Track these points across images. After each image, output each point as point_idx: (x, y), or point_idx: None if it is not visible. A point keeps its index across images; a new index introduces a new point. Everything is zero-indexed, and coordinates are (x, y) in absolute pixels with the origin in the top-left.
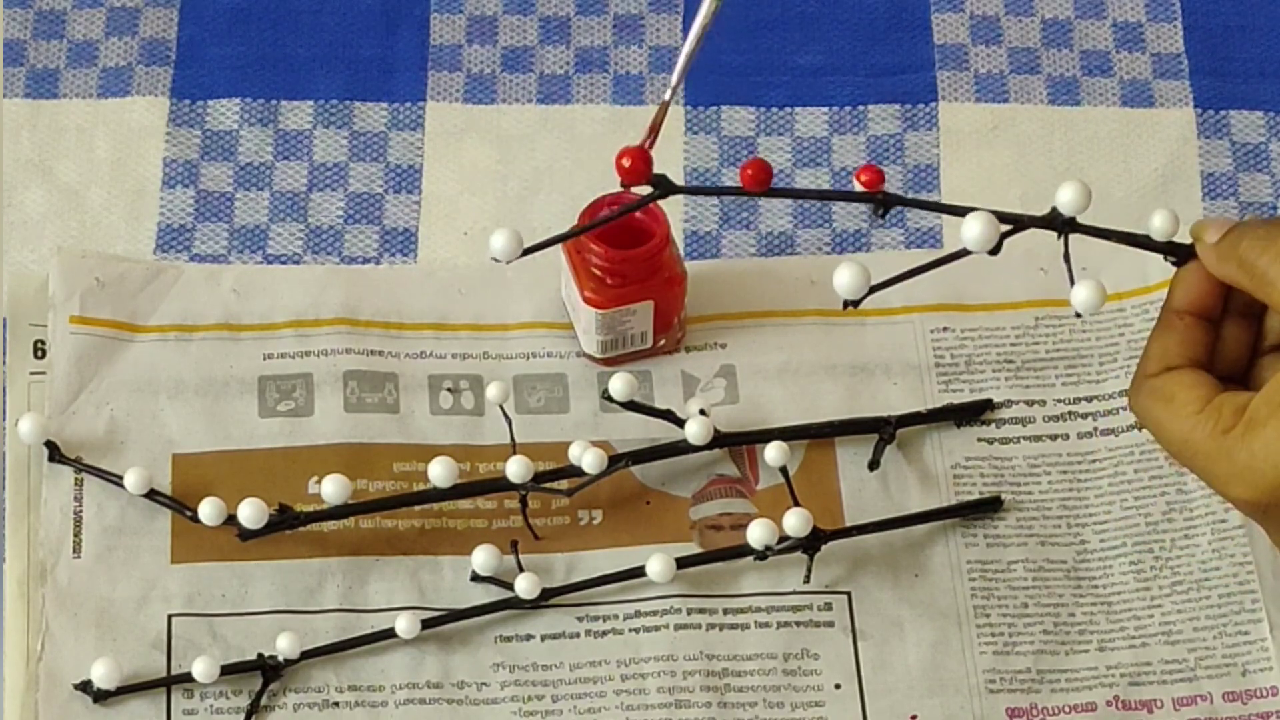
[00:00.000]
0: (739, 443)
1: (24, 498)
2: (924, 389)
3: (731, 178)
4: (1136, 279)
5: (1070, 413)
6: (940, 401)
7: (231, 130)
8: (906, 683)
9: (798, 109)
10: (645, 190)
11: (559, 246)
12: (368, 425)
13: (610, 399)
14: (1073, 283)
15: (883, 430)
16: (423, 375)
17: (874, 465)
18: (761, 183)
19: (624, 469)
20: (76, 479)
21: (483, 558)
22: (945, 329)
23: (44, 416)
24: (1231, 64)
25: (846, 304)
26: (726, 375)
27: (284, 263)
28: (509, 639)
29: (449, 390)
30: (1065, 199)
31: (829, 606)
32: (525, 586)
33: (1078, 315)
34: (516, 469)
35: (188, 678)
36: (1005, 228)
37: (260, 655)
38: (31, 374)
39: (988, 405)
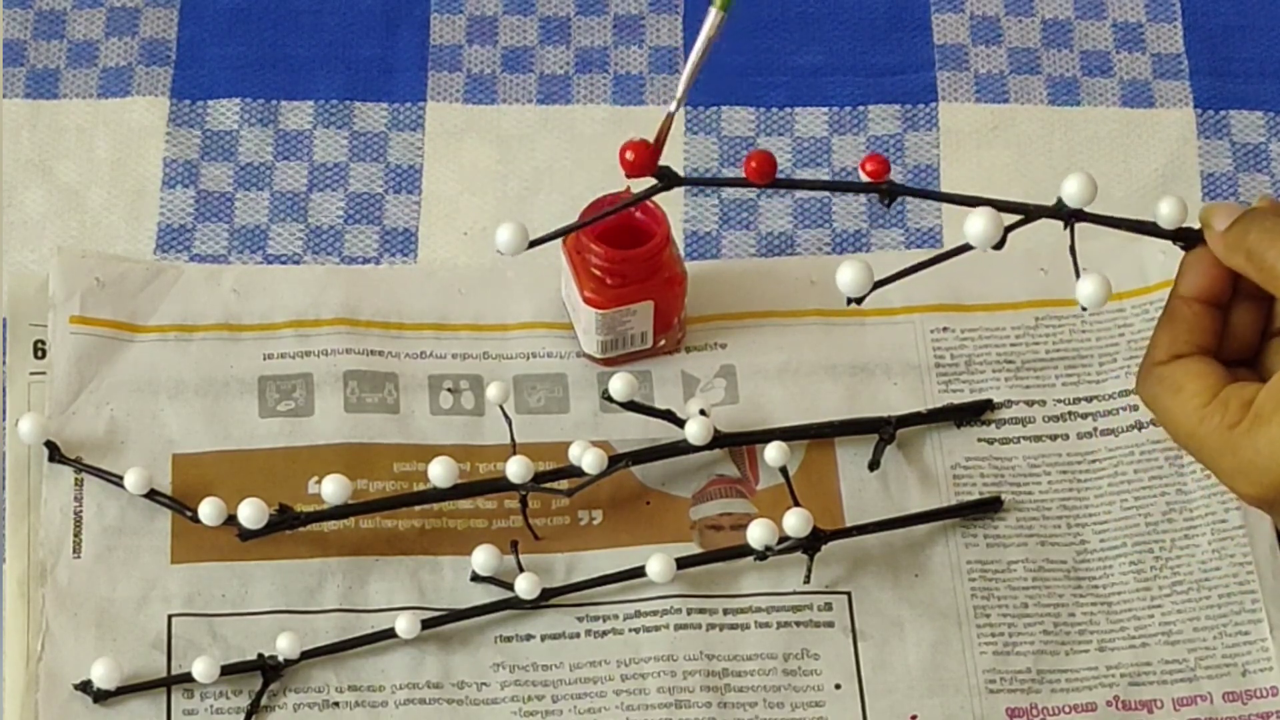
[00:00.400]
0: (739, 443)
1: (24, 498)
2: (924, 389)
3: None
4: (1136, 279)
5: (1070, 413)
6: (940, 401)
7: (231, 130)
8: (906, 683)
9: (798, 109)
10: (649, 183)
11: (559, 247)
12: (368, 425)
13: (610, 399)
14: (1078, 275)
15: (883, 430)
16: (423, 375)
17: (874, 465)
18: (766, 174)
19: (624, 469)
20: (76, 479)
21: (483, 558)
22: (945, 329)
23: (44, 416)
24: (1231, 64)
25: (850, 301)
26: (726, 375)
27: (284, 263)
28: (509, 639)
29: (449, 390)
30: (1071, 191)
31: (829, 607)
32: (525, 586)
33: (1083, 309)
34: (516, 469)
35: (188, 678)
36: (1012, 219)
37: (260, 655)
38: (31, 374)
39: (988, 405)
